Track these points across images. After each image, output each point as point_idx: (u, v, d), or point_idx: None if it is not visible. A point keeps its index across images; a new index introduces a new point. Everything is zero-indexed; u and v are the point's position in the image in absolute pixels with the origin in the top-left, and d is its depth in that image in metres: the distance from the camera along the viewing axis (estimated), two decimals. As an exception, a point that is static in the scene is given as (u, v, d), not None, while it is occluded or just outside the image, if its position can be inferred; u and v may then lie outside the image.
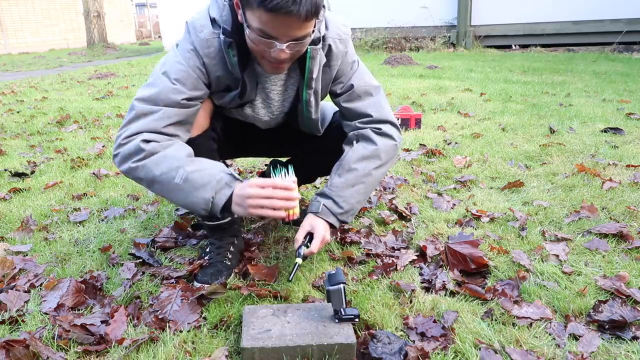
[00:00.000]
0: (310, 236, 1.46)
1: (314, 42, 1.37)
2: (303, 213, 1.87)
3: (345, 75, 1.53)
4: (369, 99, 1.54)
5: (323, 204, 1.48)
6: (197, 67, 1.36)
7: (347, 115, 1.57)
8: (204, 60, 1.36)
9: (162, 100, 1.33)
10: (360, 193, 1.52)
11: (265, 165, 2.14)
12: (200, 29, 1.35)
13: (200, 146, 1.42)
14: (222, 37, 1.31)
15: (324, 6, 1.35)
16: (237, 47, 1.32)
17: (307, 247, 1.43)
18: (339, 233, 1.83)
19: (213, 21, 1.34)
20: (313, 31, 1.26)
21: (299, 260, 1.39)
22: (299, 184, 2.12)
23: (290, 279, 1.36)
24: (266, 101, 1.53)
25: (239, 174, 2.62)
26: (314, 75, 1.42)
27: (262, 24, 1.18)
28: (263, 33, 1.21)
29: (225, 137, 1.62)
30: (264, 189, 1.26)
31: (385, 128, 1.54)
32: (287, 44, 1.22)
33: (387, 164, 1.56)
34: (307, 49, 1.36)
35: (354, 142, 1.54)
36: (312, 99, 1.48)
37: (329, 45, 1.44)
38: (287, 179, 1.32)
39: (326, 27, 1.43)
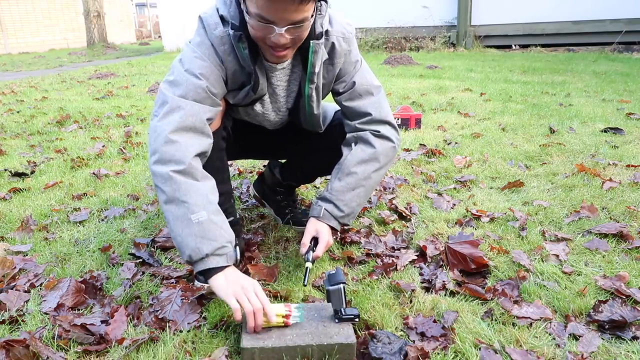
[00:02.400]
0: (315, 240, 1.49)
1: (317, 37, 1.38)
2: (305, 214, 1.88)
3: (348, 74, 1.54)
4: (369, 98, 1.55)
5: (324, 208, 1.50)
6: (217, 63, 1.37)
7: (348, 115, 1.58)
8: (221, 56, 1.37)
9: (192, 96, 1.33)
10: (360, 196, 1.54)
11: (264, 166, 2.14)
12: (214, 26, 1.36)
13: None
14: (231, 31, 1.32)
15: (325, 0, 1.36)
16: (247, 40, 1.33)
17: (314, 251, 1.46)
18: (339, 233, 1.83)
19: (222, 18, 1.35)
20: (312, 16, 1.27)
21: (309, 265, 1.41)
22: (299, 185, 2.12)
23: (305, 283, 1.38)
24: (273, 97, 1.54)
25: (239, 174, 2.62)
26: (316, 70, 1.44)
27: (259, 8, 1.20)
28: (261, 18, 1.22)
29: (233, 138, 1.63)
30: (255, 314, 1.19)
31: (384, 130, 1.55)
32: (285, 27, 1.23)
33: (386, 166, 1.58)
34: (309, 44, 1.37)
35: (352, 144, 1.55)
36: (314, 93, 1.49)
37: (332, 43, 1.45)
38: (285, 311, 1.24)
39: (330, 24, 1.44)
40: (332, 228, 1.52)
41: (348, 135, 1.58)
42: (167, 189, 1.28)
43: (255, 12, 1.21)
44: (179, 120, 1.30)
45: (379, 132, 1.54)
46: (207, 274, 1.27)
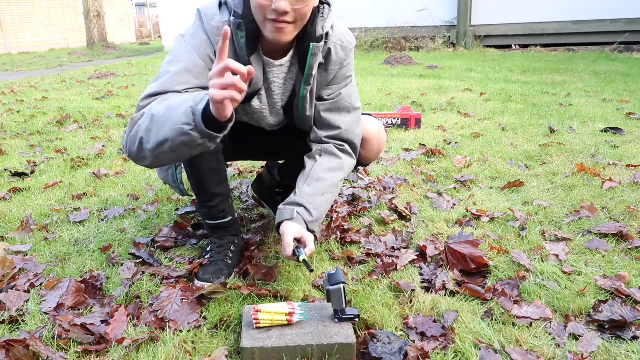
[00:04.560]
0: (296, 241, 1.41)
1: (317, 40, 1.39)
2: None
3: (337, 85, 1.55)
4: (345, 116, 1.57)
5: (297, 211, 1.46)
6: (207, 55, 1.37)
7: (318, 123, 1.59)
8: (215, 48, 1.37)
9: (167, 90, 1.31)
10: (328, 202, 1.54)
11: (262, 167, 2.15)
12: (211, 17, 1.36)
13: None
14: (232, 18, 1.33)
15: (329, 4, 1.37)
16: (246, 30, 1.34)
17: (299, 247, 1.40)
18: (339, 233, 1.83)
19: (224, 4, 1.36)
20: None
21: (304, 257, 1.35)
22: (294, 187, 2.11)
23: (311, 269, 1.33)
24: (269, 92, 1.54)
25: (239, 174, 2.63)
26: (313, 72, 1.44)
27: None
28: None
29: (230, 139, 1.62)
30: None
31: (347, 147, 1.59)
32: None
33: (344, 179, 1.61)
34: (310, 46, 1.37)
35: (317, 156, 1.57)
36: (308, 95, 1.50)
37: (329, 49, 1.46)
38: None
39: (331, 29, 1.45)
40: None
41: (313, 148, 1.59)
42: (141, 135, 1.22)
43: None
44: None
45: (342, 146, 1.58)
46: (209, 115, 1.14)
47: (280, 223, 1.47)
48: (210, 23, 1.36)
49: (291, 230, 1.42)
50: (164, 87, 1.31)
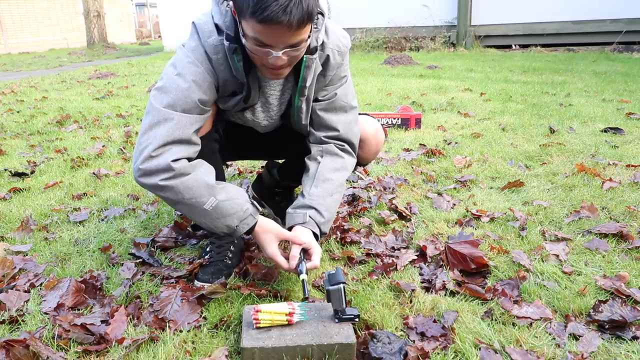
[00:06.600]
0: (302, 250, 1.42)
1: (311, 52, 1.36)
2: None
3: (332, 85, 1.55)
4: (342, 115, 1.57)
5: (309, 215, 1.46)
6: (210, 70, 1.35)
7: (316, 124, 1.58)
8: (214, 65, 1.36)
9: (180, 105, 1.31)
10: (337, 202, 1.55)
11: (262, 167, 2.14)
12: (208, 34, 1.34)
13: (203, 147, 1.42)
14: (226, 43, 1.31)
15: (322, 13, 1.35)
16: (242, 53, 1.32)
17: (304, 261, 1.39)
18: (338, 232, 1.83)
19: (216, 27, 1.33)
20: (309, 36, 1.26)
21: (304, 277, 1.34)
22: (297, 185, 2.12)
23: (306, 295, 1.31)
24: (265, 105, 1.53)
25: (239, 174, 2.62)
26: (307, 84, 1.43)
27: (256, 33, 1.19)
28: (258, 42, 1.21)
29: (226, 139, 1.62)
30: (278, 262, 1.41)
31: (347, 146, 1.59)
32: (283, 50, 1.22)
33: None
34: (303, 58, 1.36)
35: (319, 157, 1.57)
36: (304, 105, 1.50)
37: (327, 56, 1.45)
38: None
39: (326, 35, 1.43)
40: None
41: (313, 150, 1.59)
42: (167, 195, 1.32)
43: (252, 36, 1.20)
44: (165, 135, 1.29)
45: (343, 146, 1.58)
46: (247, 233, 1.41)
47: (291, 228, 1.47)
48: (207, 40, 1.33)
49: (299, 240, 1.41)
50: (178, 103, 1.31)
